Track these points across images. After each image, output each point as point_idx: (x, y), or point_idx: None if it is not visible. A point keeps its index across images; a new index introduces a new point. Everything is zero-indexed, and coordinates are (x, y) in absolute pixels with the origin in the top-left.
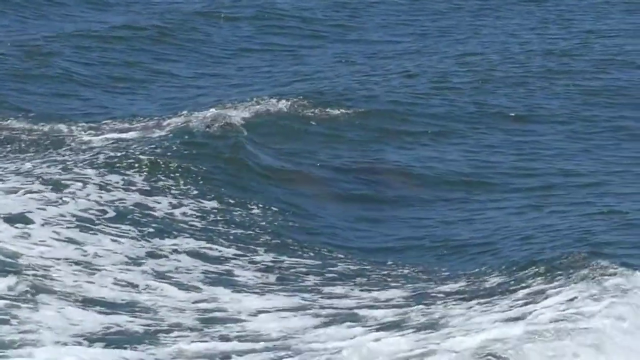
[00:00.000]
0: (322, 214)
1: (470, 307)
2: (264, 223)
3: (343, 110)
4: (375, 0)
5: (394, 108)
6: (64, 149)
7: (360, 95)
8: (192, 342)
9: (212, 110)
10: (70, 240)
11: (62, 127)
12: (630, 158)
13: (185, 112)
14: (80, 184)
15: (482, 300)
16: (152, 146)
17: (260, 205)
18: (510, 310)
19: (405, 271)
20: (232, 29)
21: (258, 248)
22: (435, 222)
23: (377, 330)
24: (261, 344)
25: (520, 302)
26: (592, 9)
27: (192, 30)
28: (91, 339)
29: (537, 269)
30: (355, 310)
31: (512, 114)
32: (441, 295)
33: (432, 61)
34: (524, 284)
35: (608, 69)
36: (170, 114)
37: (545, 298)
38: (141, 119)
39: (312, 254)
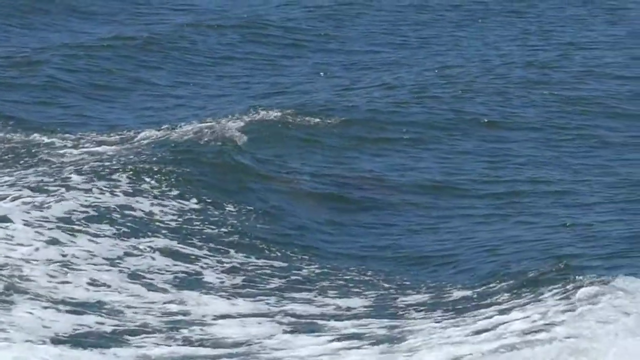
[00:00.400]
0: (294, 218)
1: (436, 320)
2: (237, 223)
3: (323, 119)
4: (361, 11)
5: (373, 116)
6: (49, 156)
7: (340, 105)
8: (157, 345)
9: (197, 119)
10: (50, 242)
11: (50, 135)
12: (599, 167)
13: (170, 121)
14: (63, 189)
15: (448, 313)
16: (136, 153)
17: (237, 208)
18: (478, 323)
19: (369, 278)
20: (218, 38)
21: (230, 249)
22: (403, 230)
23: (339, 340)
24: (223, 350)
25: (490, 314)
26: (573, 21)
27: (180, 40)
28: (60, 340)
29: (505, 281)
30: (318, 319)
31: (488, 122)
32: (405, 306)
33: (413, 71)
34: (491, 297)
35: (586, 80)
36: (155, 124)
37: (515, 310)
38: (126, 128)
39: (279, 255)
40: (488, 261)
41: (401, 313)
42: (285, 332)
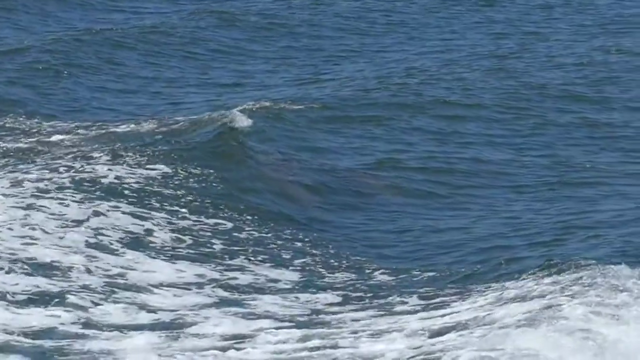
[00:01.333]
0: (246, 182)
1: (357, 307)
2: (197, 187)
3: (289, 103)
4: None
5: (336, 101)
6: (32, 138)
7: (309, 90)
8: (95, 306)
9: (172, 103)
10: (24, 208)
11: (31, 118)
12: (542, 146)
13: (146, 106)
14: (43, 163)
15: (369, 298)
16: (112, 133)
17: (198, 174)
18: (405, 316)
19: (299, 246)
20: (197, 22)
21: (182, 209)
22: (337, 203)
23: (262, 318)
24: (151, 316)
25: (413, 306)
26: (541, 9)
27: (158, 27)
28: (13, 300)
29: (429, 270)
30: (245, 292)
31: (444, 103)
32: (327, 284)
33: (377, 59)
34: (415, 286)
35: (546, 66)
36: (129, 109)
37: (439, 304)
38: (100, 111)
39: (226, 216)
40: (414, 248)
41: (323, 293)
42: (213, 303)
